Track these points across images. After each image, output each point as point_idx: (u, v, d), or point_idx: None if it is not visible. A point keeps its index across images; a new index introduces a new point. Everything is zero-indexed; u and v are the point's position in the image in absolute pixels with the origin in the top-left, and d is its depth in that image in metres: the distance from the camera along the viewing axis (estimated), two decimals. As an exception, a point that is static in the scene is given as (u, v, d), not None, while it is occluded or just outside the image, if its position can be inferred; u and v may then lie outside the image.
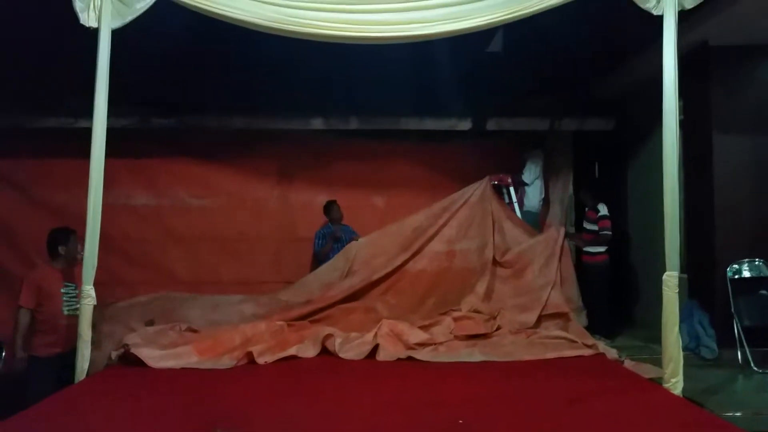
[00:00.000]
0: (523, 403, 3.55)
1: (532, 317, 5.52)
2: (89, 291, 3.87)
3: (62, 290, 4.45)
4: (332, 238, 6.54)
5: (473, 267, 6.21)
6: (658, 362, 4.33)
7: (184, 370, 4.35)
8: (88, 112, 4.08)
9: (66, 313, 4.41)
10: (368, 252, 6.38)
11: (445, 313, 5.50)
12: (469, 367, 4.46)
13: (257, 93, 6.36)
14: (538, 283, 5.84)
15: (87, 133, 4.09)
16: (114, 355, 4.51)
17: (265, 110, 6.67)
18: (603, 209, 6.25)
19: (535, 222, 6.90)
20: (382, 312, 5.71)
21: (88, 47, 4.07)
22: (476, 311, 5.55)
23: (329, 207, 6.66)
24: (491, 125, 6.85)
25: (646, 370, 4.39)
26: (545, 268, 5.92)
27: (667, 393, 3.75)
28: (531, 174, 6.98)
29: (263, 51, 5.23)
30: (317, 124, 6.81)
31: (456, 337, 5.11)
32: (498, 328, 5.36)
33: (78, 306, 4.07)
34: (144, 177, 6.87)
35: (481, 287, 5.88)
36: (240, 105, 6.59)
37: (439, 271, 6.26)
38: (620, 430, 3.12)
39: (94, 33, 4.04)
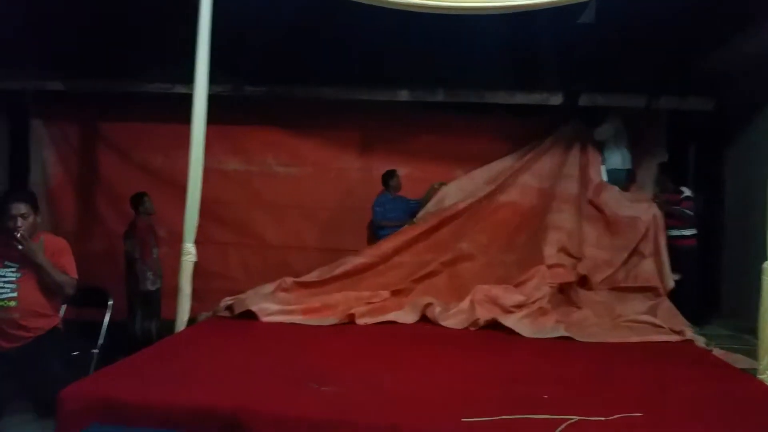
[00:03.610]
0: (608, 385, 3.51)
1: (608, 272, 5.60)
2: (190, 248, 4.11)
3: None
4: (411, 215, 6.55)
5: (561, 206, 6.13)
6: (749, 353, 4.19)
7: (282, 326, 4.62)
8: (185, 78, 4.26)
9: None
10: (461, 197, 6.44)
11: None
12: (556, 345, 4.46)
13: (345, 64, 6.41)
14: (620, 243, 5.82)
15: (182, 99, 4.27)
16: (223, 304, 4.79)
17: (353, 81, 6.73)
18: (686, 191, 6.10)
19: (622, 181, 6.65)
20: (478, 256, 5.83)
21: (185, 14, 4.24)
22: (564, 249, 5.56)
23: (391, 176, 6.68)
24: (584, 101, 6.64)
25: (738, 360, 4.26)
26: (631, 229, 5.84)
27: (761, 384, 3.63)
28: (603, 132, 6.67)
29: (353, 22, 5.28)
30: (403, 95, 6.82)
31: (550, 286, 5.15)
32: (584, 278, 5.43)
33: (11, 296, 3.49)
34: (235, 143, 7.14)
35: (567, 223, 5.88)
36: (328, 76, 6.68)
37: (530, 206, 6.25)
38: (710, 417, 3.03)
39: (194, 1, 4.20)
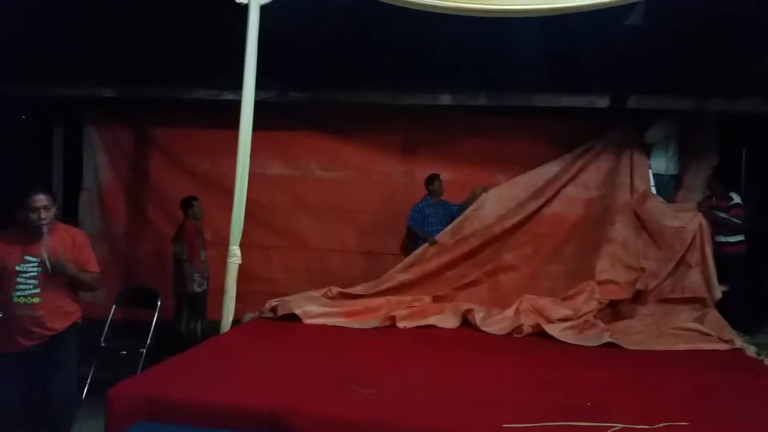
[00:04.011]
0: (654, 393, 3.44)
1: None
2: (235, 251, 4.21)
3: (17, 267, 3.36)
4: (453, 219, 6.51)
5: (614, 217, 5.94)
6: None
7: (324, 328, 4.71)
8: (232, 85, 4.35)
9: (15, 299, 3.34)
10: (500, 204, 6.36)
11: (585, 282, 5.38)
12: (599, 353, 4.40)
13: (388, 68, 6.45)
14: (665, 254, 5.69)
15: (230, 105, 4.37)
16: (267, 306, 4.89)
17: (395, 86, 6.75)
18: (736, 197, 5.87)
19: (667, 187, 6.49)
20: (521, 267, 5.76)
21: (232, 22, 4.34)
22: (620, 262, 5.41)
23: (431, 180, 6.67)
24: (631, 103, 6.49)
25: (791, 371, 4.10)
26: (677, 240, 5.69)
27: (816, 396, 3.49)
28: (654, 135, 6.49)
29: (396, 27, 5.31)
30: (445, 99, 6.80)
31: (599, 302, 5.04)
32: (640, 292, 5.30)
33: (34, 292, 3.32)
34: (278, 148, 7.21)
35: (621, 234, 5.70)
36: (370, 80, 6.71)
37: (577, 218, 6.11)
38: (761, 429, 2.94)
39: (242, 9, 4.30)
